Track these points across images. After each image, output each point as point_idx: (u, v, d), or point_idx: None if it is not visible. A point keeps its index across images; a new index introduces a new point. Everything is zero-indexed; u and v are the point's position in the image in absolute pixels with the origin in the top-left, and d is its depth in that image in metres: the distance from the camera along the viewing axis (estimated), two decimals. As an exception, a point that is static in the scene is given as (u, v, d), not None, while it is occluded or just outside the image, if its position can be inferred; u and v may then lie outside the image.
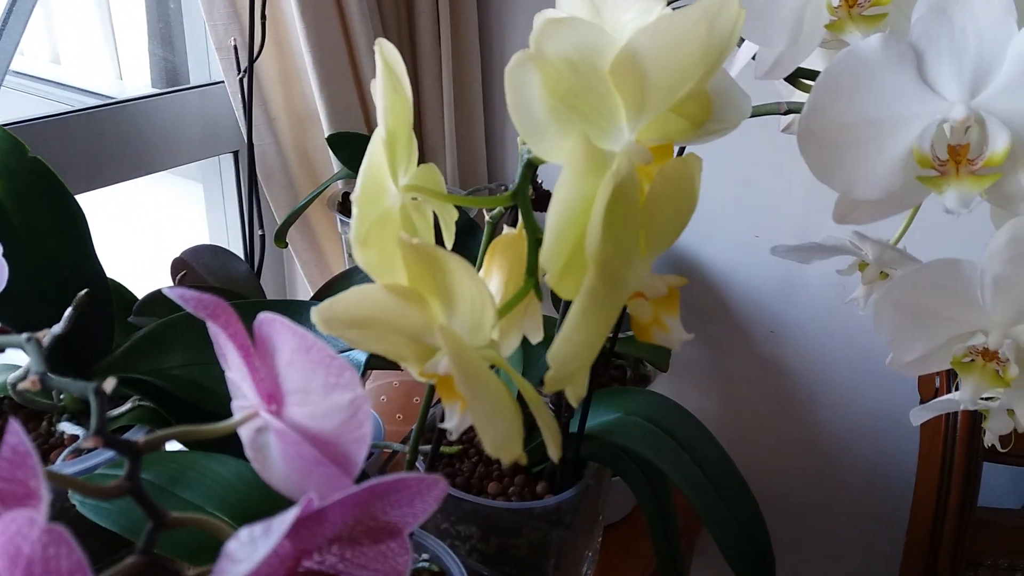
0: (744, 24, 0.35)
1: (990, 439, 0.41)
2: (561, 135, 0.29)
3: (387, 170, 0.30)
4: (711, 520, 0.66)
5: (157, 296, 0.78)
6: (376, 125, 0.31)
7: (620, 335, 0.95)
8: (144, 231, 1.27)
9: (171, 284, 0.87)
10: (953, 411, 0.75)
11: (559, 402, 0.67)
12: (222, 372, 0.29)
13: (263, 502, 0.47)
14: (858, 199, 0.31)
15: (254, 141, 1.00)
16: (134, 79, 1.21)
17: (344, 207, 0.96)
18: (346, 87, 1.02)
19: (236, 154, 1.09)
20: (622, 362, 0.97)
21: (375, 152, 0.30)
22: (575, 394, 0.32)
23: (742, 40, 0.40)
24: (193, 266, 0.84)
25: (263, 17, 0.89)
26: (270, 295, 1.06)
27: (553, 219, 0.28)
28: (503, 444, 0.26)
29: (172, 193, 1.25)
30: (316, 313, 0.29)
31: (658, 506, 0.71)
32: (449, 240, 0.36)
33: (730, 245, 0.98)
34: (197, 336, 0.65)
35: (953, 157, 0.30)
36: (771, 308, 0.97)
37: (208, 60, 1.09)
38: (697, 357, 1.06)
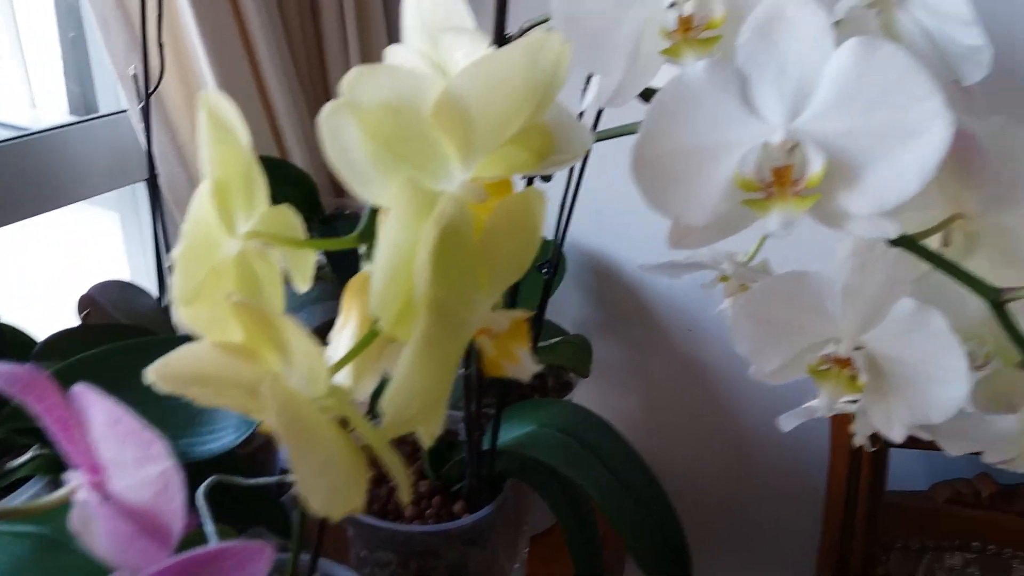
0: (579, 54, 0.36)
1: (858, 440, 0.43)
2: (387, 180, 0.29)
3: (217, 223, 0.30)
4: (622, 522, 0.67)
5: (62, 337, 0.77)
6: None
7: (540, 343, 0.96)
8: (61, 265, 1.24)
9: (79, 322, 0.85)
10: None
11: (470, 421, 0.67)
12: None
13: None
14: (689, 225, 0.32)
15: (163, 169, 0.98)
16: (49, 109, 1.18)
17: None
18: (253, 111, 1.01)
19: (147, 182, 1.07)
20: (542, 371, 0.98)
21: (200, 207, 0.30)
22: (428, 434, 0.32)
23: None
24: (100, 303, 0.82)
25: (160, 45, 0.88)
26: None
27: (382, 265, 0.28)
28: (331, 501, 0.26)
29: (91, 224, 1.22)
30: (152, 372, 0.29)
31: (574, 516, 0.72)
32: (304, 283, 0.35)
33: (647, 245, 0.99)
34: (103, 379, 0.64)
35: (778, 179, 0.30)
36: (688, 307, 0.99)
37: (117, 89, 1.07)
38: (619, 359, 1.07)
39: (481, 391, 0.66)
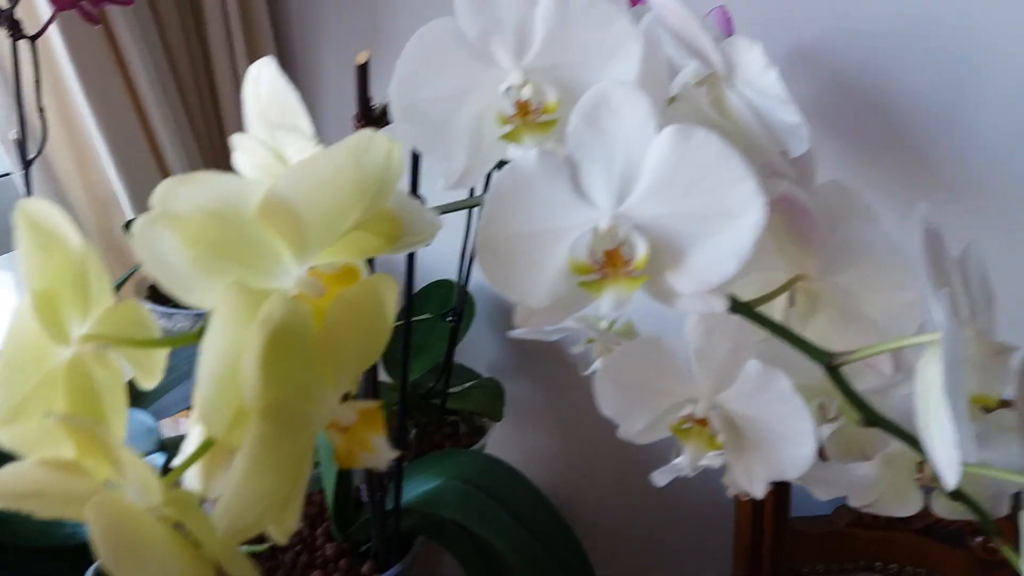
0: (420, 142, 0.36)
1: (730, 492, 0.43)
2: (212, 284, 0.28)
3: (43, 333, 0.29)
4: (532, 572, 0.67)
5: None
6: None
7: (451, 389, 0.96)
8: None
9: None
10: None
11: (371, 480, 0.66)
12: None
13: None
14: (532, 307, 0.32)
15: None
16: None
17: (153, 295, 0.92)
18: (147, 167, 0.99)
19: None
20: (455, 418, 0.97)
21: (21, 320, 0.29)
22: (282, 532, 0.31)
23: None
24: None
25: (40, 109, 0.85)
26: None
27: (206, 373, 0.28)
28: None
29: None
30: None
31: (486, 571, 0.71)
32: (151, 381, 0.35)
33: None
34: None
35: (610, 261, 0.31)
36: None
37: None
38: (533, 397, 1.07)
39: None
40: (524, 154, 0.31)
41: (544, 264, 0.32)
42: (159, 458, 0.64)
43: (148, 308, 0.32)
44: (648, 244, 0.30)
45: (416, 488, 0.71)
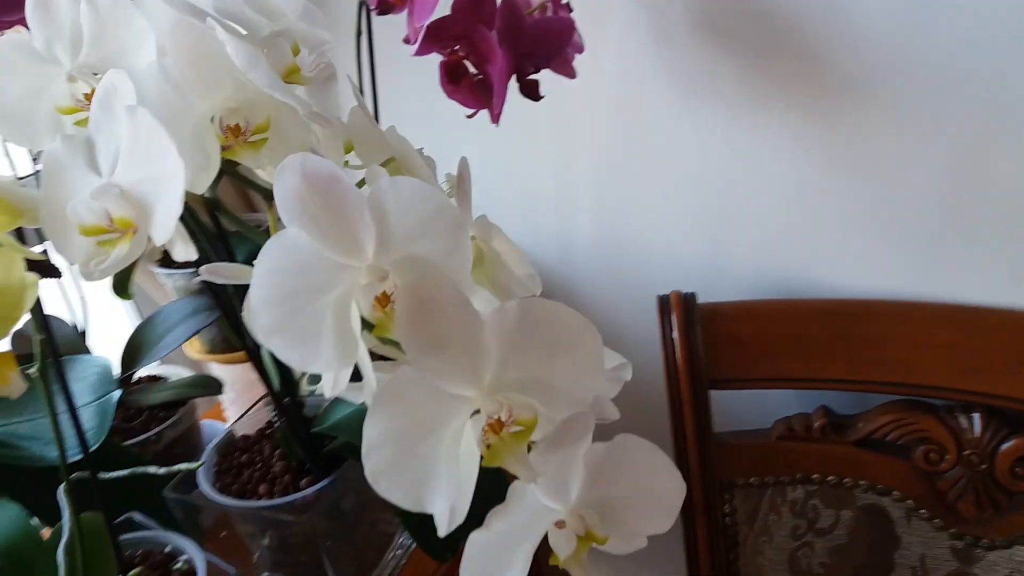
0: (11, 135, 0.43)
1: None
2: None
3: None
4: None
5: None
6: None
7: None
8: None
9: None
10: (673, 349, 0.79)
11: (280, 409, 0.76)
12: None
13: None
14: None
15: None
16: None
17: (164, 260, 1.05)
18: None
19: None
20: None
21: None
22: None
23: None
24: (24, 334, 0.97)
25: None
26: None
27: None
28: None
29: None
30: None
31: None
32: None
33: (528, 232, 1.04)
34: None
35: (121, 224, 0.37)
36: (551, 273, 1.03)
37: None
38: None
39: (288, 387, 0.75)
40: (52, 145, 0.38)
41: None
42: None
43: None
44: (134, 207, 0.36)
45: (339, 413, 0.80)
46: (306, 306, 0.32)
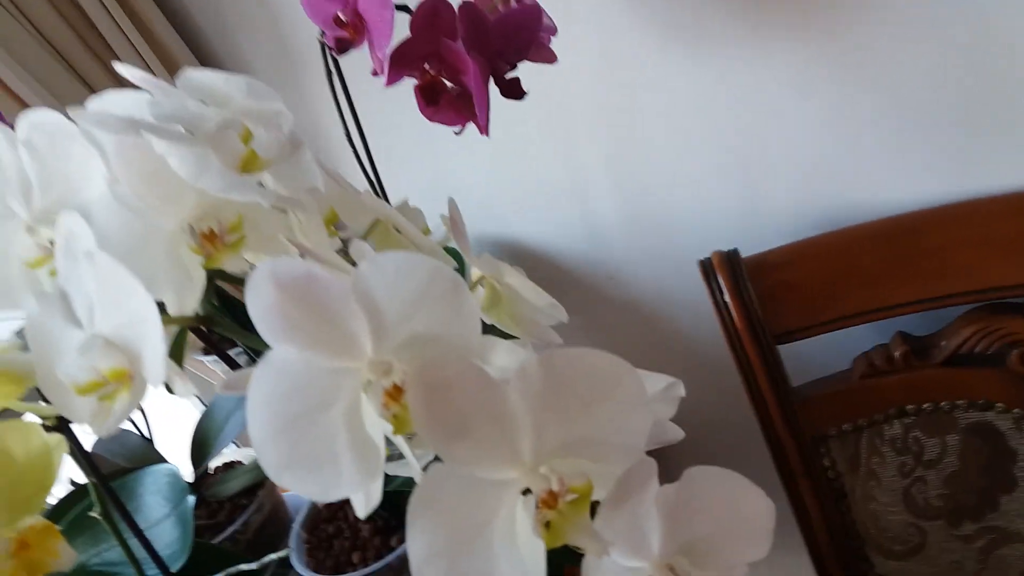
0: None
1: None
2: None
3: None
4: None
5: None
6: None
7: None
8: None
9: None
10: (728, 313, 0.75)
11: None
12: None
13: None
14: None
15: None
16: None
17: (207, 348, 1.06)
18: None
19: None
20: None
21: None
22: None
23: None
24: (100, 454, 0.98)
25: None
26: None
27: None
28: None
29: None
30: None
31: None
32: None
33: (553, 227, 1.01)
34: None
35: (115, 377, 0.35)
36: (602, 258, 0.99)
37: None
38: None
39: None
40: (29, 307, 0.36)
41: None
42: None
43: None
44: (123, 354, 0.34)
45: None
46: (312, 429, 0.29)
